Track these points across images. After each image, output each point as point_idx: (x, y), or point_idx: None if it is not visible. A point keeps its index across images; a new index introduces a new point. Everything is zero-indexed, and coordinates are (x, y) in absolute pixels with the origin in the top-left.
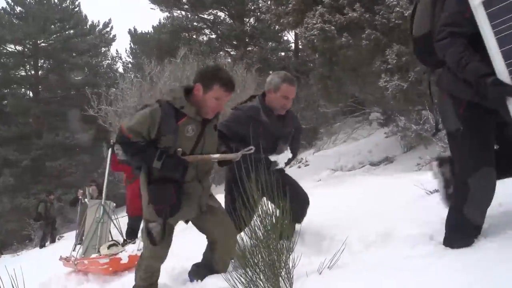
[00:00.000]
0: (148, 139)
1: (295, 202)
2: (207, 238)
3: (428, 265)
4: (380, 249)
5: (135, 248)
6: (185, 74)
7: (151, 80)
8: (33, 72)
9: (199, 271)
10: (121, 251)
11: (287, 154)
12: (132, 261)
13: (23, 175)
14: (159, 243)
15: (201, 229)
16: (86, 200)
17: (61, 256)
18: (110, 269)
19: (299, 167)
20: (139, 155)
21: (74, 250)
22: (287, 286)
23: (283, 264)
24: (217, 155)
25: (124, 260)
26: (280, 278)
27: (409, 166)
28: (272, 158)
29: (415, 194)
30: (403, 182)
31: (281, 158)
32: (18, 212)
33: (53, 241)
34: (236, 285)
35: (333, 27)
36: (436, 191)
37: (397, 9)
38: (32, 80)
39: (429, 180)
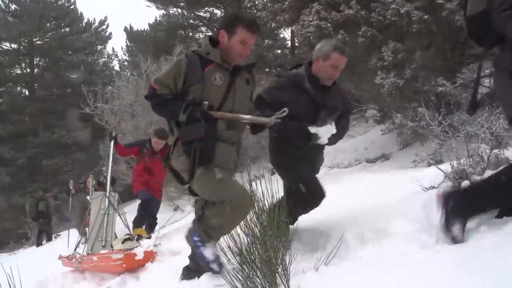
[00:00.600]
0: (175, 92)
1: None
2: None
3: (424, 261)
4: (376, 245)
5: (151, 243)
6: None
7: (148, 78)
8: (28, 70)
9: (189, 273)
10: (136, 246)
11: (331, 129)
12: (147, 258)
13: (19, 174)
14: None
15: None
16: (88, 198)
17: (60, 255)
18: (124, 265)
19: None
20: (165, 107)
21: (78, 246)
22: (284, 282)
23: (279, 261)
24: (247, 116)
25: (139, 256)
26: (276, 274)
27: (405, 163)
28: (312, 129)
29: (411, 190)
30: (399, 179)
31: (322, 132)
32: (14, 211)
33: (49, 239)
34: (233, 281)
35: (329, 24)
36: (432, 187)
37: (393, 6)
38: (28, 78)
39: (425, 176)
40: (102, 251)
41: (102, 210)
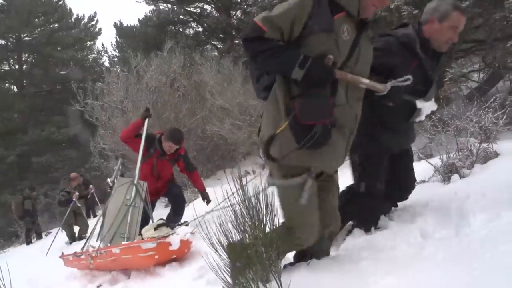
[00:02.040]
0: (286, 39)
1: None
2: None
3: (414, 254)
4: (366, 240)
5: (188, 230)
6: (171, 68)
7: (138, 73)
8: (17, 66)
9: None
10: (171, 233)
11: (432, 105)
12: (183, 248)
13: (9, 171)
14: (307, 199)
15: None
16: (109, 180)
17: (63, 253)
18: (156, 257)
19: None
20: (274, 57)
21: (88, 241)
22: (275, 278)
23: (271, 256)
24: (366, 80)
25: (175, 245)
26: (268, 270)
27: None
28: (419, 104)
29: None
30: None
31: (426, 108)
32: (4, 209)
33: (39, 237)
34: (225, 277)
35: None
36: (423, 181)
37: None
38: (16, 74)
39: (415, 170)
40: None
41: (127, 200)
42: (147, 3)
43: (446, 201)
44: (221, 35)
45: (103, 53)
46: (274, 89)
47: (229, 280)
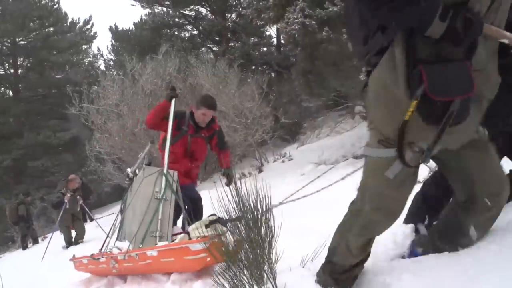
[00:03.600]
0: None
1: None
2: (455, 191)
3: (409, 254)
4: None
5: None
6: (167, 71)
7: (133, 77)
8: (12, 70)
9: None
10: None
11: None
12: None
13: (4, 176)
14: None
15: (453, 172)
16: (129, 170)
17: (74, 256)
18: (208, 259)
19: (283, 161)
20: (408, 5)
21: (107, 241)
22: (271, 280)
23: (266, 259)
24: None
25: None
26: (263, 272)
27: None
28: None
29: None
30: None
31: None
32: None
33: (35, 242)
34: (220, 280)
35: (313, 22)
36: (418, 182)
37: None
38: (12, 78)
39: None
40: (160, 243)
41: (157, 193)
42: (142, 6)
43: None
44: (216, 38)
45: (98, 56)
46: (391, 52)
47: (224, 283)
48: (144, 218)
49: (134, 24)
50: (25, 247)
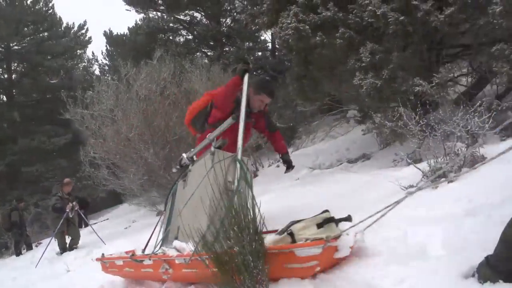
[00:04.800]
0: None
1: None
2: None
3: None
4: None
5: (360, 229)
6: (161, 76)
7: (127, 82)
8: (6, 76)
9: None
10: (341, 234)
11: None
12: (346, 256)
13: None
14: None
15: None
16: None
17: (103, 255)
18: (318, 269)
19: (278, 166)
20: None
21: (163, 240)
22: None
23: (258, 265)
24: None
25: (342, 252)
26: (255, 279)
27: (385, 163)
28: None
29: (390, 190)
30: (379, 179)
31: None
32: None
33: (29, 248)
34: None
35: (307, 27)
36: (411, 186)
37: (370, 8)
38: (6, 84)
39: (403, 175)
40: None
41: (230, 184)
42: (137, 11)
43: (433, 206)
44: (211, 43)
45: (93, 61)
46: None
47: None
48: (215, 213)
49: (129, 29)
50: (18, 253)
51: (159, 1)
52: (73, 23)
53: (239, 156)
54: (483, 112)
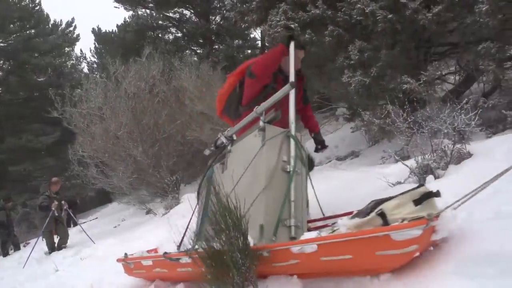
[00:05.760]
0: None
1: None
2: None
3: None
4: None
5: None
6: (150, 74)
7: (116, 80)
8: None
9: None
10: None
11: None
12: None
13: None
14: None
15: None
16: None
17: (126, 255)
18: (417, 254)
19: None
20: None
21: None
22: (252, 284)
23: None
24: None
25: (442, 233)
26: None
27: (374, 160)
28: None
29: (379, 186)
30: (367, 176)
31: None
32: None
33: (17, 248)
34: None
35: (296, 24)
36: (399, 183)
37: (358, 5)
38: None
39: (392, 172)
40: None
41: (285, 164)
42: (125, 8)
43: None
44: (200, 40)
45: (81, 59)
46: None
47: None
48: (272, 199)
49: (117, 26)
50: (6, 254)
51: None
52: (61, 20)
53: (292, 132)
54: (470, 109)
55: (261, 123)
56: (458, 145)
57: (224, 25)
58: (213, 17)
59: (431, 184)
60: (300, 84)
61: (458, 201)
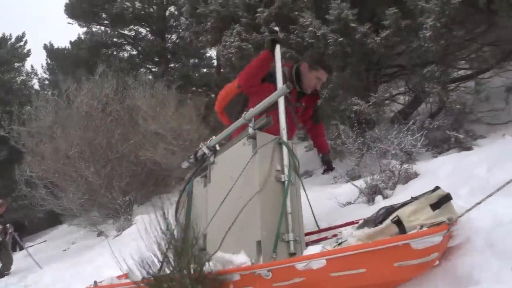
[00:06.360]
0: None
1: None
2: None
3: None
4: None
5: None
6: (104, 92)
7: (68, 98)
8: None
9: None
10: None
11: None
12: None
13: None
14: None
15: None
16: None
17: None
18: (437, 262)
19: None
20: None
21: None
22: None
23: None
24: None
25: (458, 238)
26: None
27: (326, 179)
28: None
29: (329, 207)
30: (319, 196)
31: None
32: None
33: None
34: None
35: (250, 45)
36: (349, 203)
37: (310, 28)
38: None
39: (342, 192)
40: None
41: (278, 173)
42: (79, 25)
43: None
44: (155, 59)
45: (32, 75)
46: None
47: None
48: (268, 212)
49: (71, 42)
50: None
51: (103, 15)
52: (10, 34)
53: (284, 138)
54: (416, 130)
55: (250, 130)
56: (405, 166)
57: (180, 43)
58: (169, 36)
59: (380, 203)
60: (312, 102)
61: (479, 203)
